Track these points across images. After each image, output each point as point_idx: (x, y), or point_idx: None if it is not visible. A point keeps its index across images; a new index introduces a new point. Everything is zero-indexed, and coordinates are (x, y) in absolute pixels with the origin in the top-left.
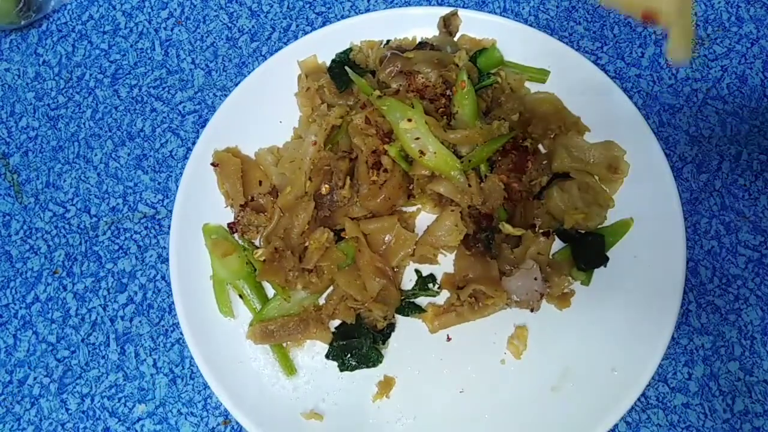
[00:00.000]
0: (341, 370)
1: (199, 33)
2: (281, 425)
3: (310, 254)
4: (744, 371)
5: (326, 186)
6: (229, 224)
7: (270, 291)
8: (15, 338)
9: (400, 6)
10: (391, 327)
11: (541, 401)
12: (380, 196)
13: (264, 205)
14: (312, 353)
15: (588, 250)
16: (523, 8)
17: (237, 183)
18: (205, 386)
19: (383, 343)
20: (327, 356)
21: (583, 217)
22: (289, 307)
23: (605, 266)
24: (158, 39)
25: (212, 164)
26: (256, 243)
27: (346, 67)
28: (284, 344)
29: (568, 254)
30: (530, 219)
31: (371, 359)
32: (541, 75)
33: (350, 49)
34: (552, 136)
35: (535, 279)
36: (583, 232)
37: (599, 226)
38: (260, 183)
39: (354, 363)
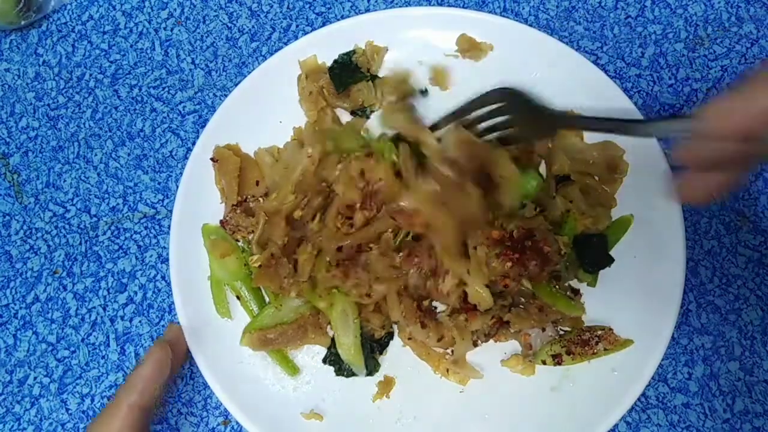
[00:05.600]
0: (337, 375)
1: (199, 33)
2: (281, 425)
3: (302, 266)
4: (744, 371)
5: (299, 212)
6: (220, 221)
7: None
8: (15, 338)
9: (400, 6)
10: (390, 336)
11: (541, 401)
12: (345, 241)
13: (254, 209)
14: (312, 353)
15: (593, 252)
16: (523, 8)
17: (233, 181)
18: (205, 386)
19: (381, 353)
20: (324, 361)
21: (592, 221)
22: (284, 314)
23: (610, 267)
24: (158, 39)
25: (212, 159)
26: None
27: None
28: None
29: (573, 256)
30: None
31: (368, 368)
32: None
33: (353, 51)
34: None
35: None
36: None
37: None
38: (257, 183)
39: (350, 370)
